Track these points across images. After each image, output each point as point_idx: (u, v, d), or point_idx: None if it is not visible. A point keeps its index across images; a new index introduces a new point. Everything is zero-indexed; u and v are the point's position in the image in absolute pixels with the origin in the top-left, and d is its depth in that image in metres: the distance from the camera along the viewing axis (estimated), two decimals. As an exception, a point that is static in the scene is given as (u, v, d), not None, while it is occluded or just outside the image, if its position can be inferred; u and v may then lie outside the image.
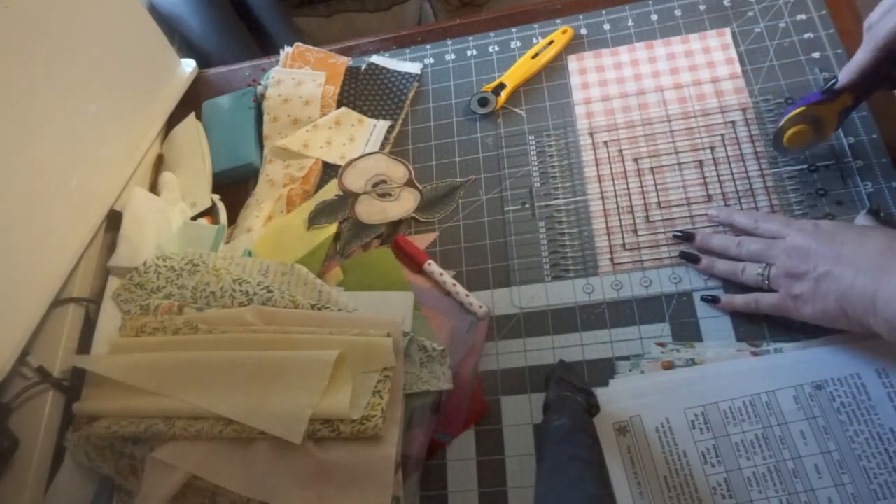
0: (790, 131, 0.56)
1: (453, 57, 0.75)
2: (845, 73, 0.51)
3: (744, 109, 0.63)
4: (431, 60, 0.76)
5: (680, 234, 0.58)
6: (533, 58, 0.70)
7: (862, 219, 0.52)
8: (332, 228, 0.66)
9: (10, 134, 0.56)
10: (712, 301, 0.55)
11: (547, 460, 0.46)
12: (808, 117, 0.55)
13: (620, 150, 0.64)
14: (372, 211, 0.67)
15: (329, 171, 0.71)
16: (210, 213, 0.72)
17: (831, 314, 0.46)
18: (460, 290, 0.59)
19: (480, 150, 0.68)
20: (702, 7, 0.69)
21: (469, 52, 0.75)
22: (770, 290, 0.51)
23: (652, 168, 0.62)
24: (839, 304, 0.46)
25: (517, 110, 0.69)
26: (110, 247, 0.68)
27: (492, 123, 0.69)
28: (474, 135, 0.69)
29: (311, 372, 0.50)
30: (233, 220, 0.71)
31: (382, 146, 0.71)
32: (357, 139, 0.72)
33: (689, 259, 0.56)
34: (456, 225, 0.65)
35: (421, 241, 0.64)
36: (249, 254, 0.65)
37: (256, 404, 0.50)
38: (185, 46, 1.06)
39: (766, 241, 0.52)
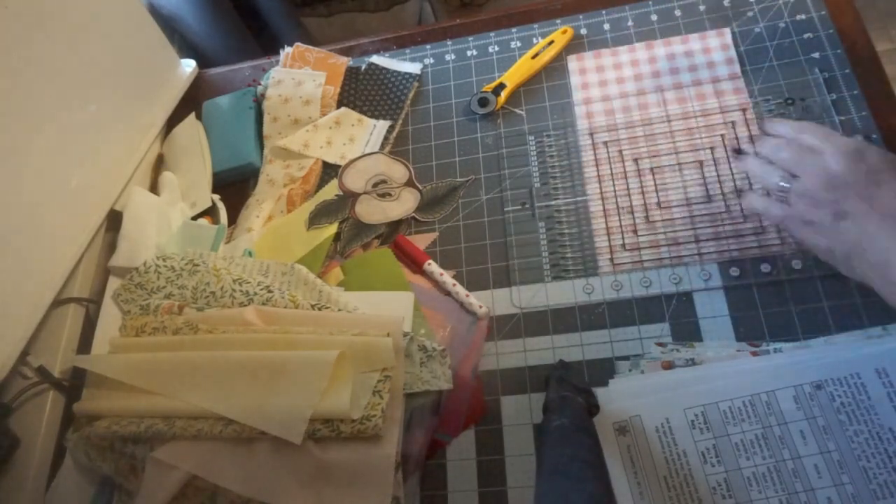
0: None
1: (453, 57, 0.75)
2: None
3: (744, 109, 0.63)
4: (431, 60, 0.76)
5: (737, 153, 0.55)
6: (533, 58, 0.70)
7: None
8: (332, 228, 0.66)
9: (10, 134, 0.56)
10: (739, 193, 0.53)
11: (547, 460, 0.46)
12: None
13: (620, 151, 0.64)
14: (372, 211, 0.67)
15: (329, 171, 0.71)
16: (210, 213, 0.72)
17: (837, 256, 0.44)
18: (460, 290, 0.59)
19: (480, 150, 0.68)
20: (702, 7, 0.69)
21: (469, 52, 0.75)
22: (785, 202, 0.48)
23: (652, 168, 0.62)
24: (848, 251, 0.43)
25: (517, 110, 0.69)
26: (110, 247, 0.68)
27: (492, 123, 0.69)
28: (474, 135, 0.69)
29: (311, 372, 0.50)
30: (233, 220, 0.71)
31: (382, 146, 0.71)
32: (357, 139, 0.72)
33: (736, 151, 0.54)
34: (456, 225, 0.65)
35: (421, 241, 0.64)
36: (250, 254, 0.65)
37: (256, 404, 0.50)
38: (185, 46, 1.06)
39: (801, 152, 0.47)
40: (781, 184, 0.47)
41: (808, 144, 0.47)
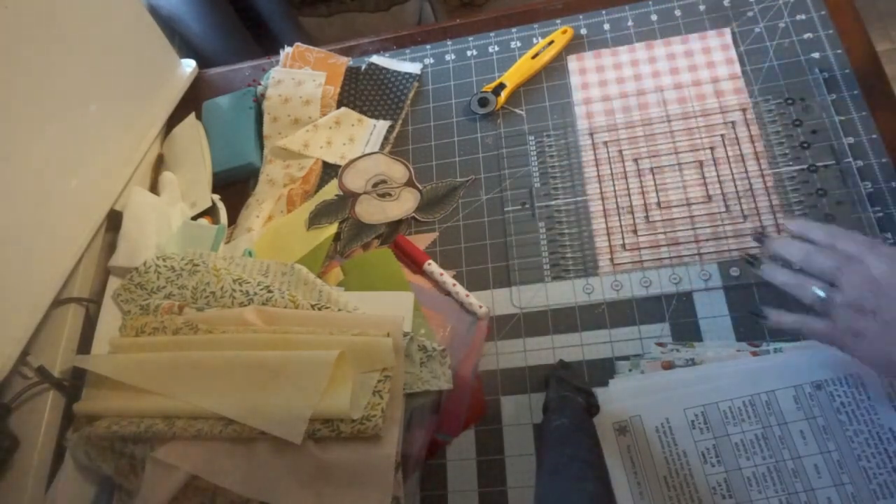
0: None
1: (453, 57, 0.75)
2: None
3: (744, 109, 0.63)
4: (431, 60, 0.76)
5: (758, 237, 0.51)
6: (533, 58, 0.70)
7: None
8: (332, 228, 0.66)
9: (10, 134, 0.56)
10: (761, 316, 0.49)
11: (547, 460, 0.46)
12: None
13: (620, 151, 0.64)
14: (372, 211, 0.67)
15: (329, 171, 0.71)
16: (210, 213, 0.72)
17: (892, 364, 0.41)
18: (460, 290, 0.59)
19: (480, 150, 0.68)
20: (702, 7, 0.69)
21: (469, 52, 0.75)
22: (824, 314, 0.45)
23: (652, 168, 0.62)
24: None
25: (517, 110, 0.69)
26: (110, 247, 0.68)
27: (492, 123, 0.69)
28: (474, 135, 0.69)
29: (312, 372, 0.50)
30: (233, 220, 0.71)
31: (382, 146, 0.71)
32: (357, 139, 0.72)
33: (752, 263, 0.50)
34: (456, 225, 0.65)
35: (421, 241, 0.64)
36: (250, 254, 0.65)
37: (256, 404, 0.50)
38: (185, 46, 1.06)
39: (840, 261, 0.44)
40: (821, 294, 0.45)
41: (847, 253, 0.44)
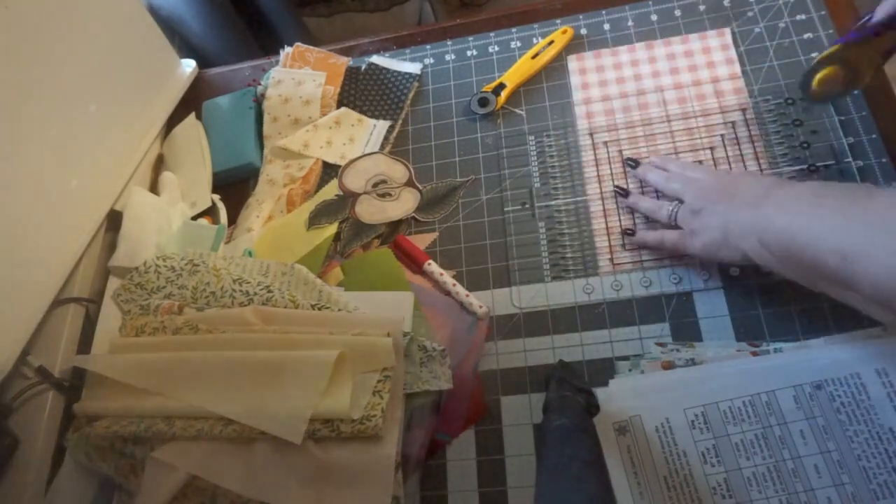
0: (820, 74, 0.54)
1: (453, 57, 0.75)
2: (884, 7, 0.49)
3: (744, 110, 0.63)
4: (431, 60, 0.76)
5: (631, 163, 0.61)
6: (533, 58, 0.70)
7: None
8: (332, 228, 0.66)
9: (10, 134, 0.56)
10: (630, 234, 0.59)
11: (547, 460, 0.46)
12: (840, 59, 0.52)
13: (620, 151, 0.64)
14: (372, 211, 0.67)
15: (329, 171, 0.71)
16: (210, 213, 0.72)
17: (715, 244, 0.50)
18: (460, 290, 0.59)
19: (480, 150, 0.68)
20: (702, 7, 0.69)
21: (469, 52, 0.75)
22: (676, 227, 0.55)
23: (652, 168, 0.62)
24: (722, 233, 0.49)
25: (517, 110, 0.69)
26: (110, 247, 0.68)
27: (492, 123, 0.69)
28: (474, 135, 0.69)
29: (312, 372, 0.50)
30: (233, 220, 0.71)
31: (382, 146, 0.71)
32: (357, 139, 0.72)
33: (620, 192, 0.61)
34: (456, 225, 0.65)
35: (421, 241, 0.64)
36: (250, 254, 0.65)
37: (256, 404, 0.50)
38: (185, 46, 1.06)
39: (685, 181, 0.55)
40: (670, 209, 0.55)
41: (691, 176, 0.55)
